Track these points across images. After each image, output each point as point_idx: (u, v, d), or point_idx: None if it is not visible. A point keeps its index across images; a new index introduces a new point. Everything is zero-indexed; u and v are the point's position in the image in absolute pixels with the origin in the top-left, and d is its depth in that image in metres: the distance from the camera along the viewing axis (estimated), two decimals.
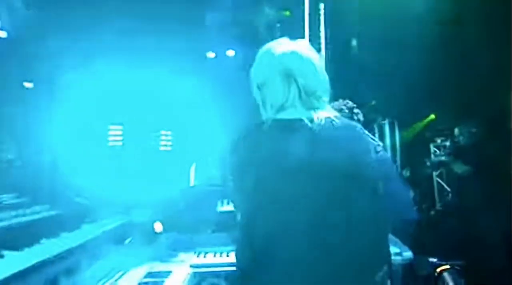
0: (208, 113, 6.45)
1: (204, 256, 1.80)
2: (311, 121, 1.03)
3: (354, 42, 5.53)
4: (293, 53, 1.08)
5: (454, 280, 3.34)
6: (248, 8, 5.98)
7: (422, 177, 4.96)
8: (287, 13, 5.46)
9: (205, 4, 5.92)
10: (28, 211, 1.25)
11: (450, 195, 4.77)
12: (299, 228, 0.97)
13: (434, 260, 3.60)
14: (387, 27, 4.95)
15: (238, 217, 1.10)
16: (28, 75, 5.84)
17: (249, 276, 1.01)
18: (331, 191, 0.99)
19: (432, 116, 5.67)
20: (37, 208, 1.27)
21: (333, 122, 1.04)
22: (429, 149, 5.27)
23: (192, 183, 4.89)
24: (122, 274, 1.53)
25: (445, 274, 3.42)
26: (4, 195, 1.35)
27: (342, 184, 1.00)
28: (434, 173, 5.03)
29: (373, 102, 5.85)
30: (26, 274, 0.88)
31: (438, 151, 5.07)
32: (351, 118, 2.83)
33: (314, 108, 1.06)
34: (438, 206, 4.96)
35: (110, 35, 5.48)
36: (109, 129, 6.36)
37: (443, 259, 3.56)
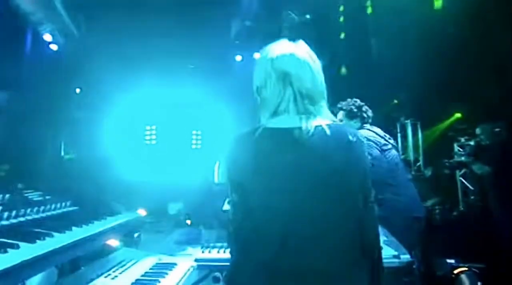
0: (235, 112, 6.58)
1: (209, 251, 1.87)
2: (301, 131, 0.99)
3: (376, 42, 5.34)
4: (291, 56, 1.05)
5: (471, 282, 3.16)
6: (273, 11, 5.99)
7: (445, 176, 4.69)
8: (308, 16, 5.41)
9: (232, 8, 5.99)
10: (51, 207, 1.40)
11: (473, 196, 4.48)
12: (283, 239, 0.96)
13: (452, 261, 3.43)
14: (410, 26, 4.74)
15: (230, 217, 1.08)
16: (77, 82, 6.33)
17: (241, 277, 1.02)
18: (317, 202, 0.97)
19: (458, 115, 5.33)
20: (58, 205, 1.42)
21: (324, 131, 1.00)
22: (452, 148, 4.97)
23: (216, 180, 5.04)
24: (134, 263, 1.65)
25: (463, 276, 3.25)
26: (34, 192, 1.52)
27: (327, 196, 0.97)
28: (458, 173, 4.74)
29: (396, 101, 5.64)
30: (35, 262, 1.00)
31: (461, 150, 4.77)
32: (361, 116, 2.77)
33: (308, 114, 1.03)
34: (461, 206, 4.68)
35: (146, 45, 5.78)
36: (146, 129, 6.72)
37: (462, 261, 3.38)
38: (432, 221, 4.39)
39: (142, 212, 4.44)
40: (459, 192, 4.76)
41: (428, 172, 4.80)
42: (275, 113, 1.04)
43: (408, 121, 5.56)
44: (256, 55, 6.89)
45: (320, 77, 1.08)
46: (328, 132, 1.01)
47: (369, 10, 5.02)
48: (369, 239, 1.03)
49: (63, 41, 5.45)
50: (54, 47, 5.44)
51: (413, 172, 5.15)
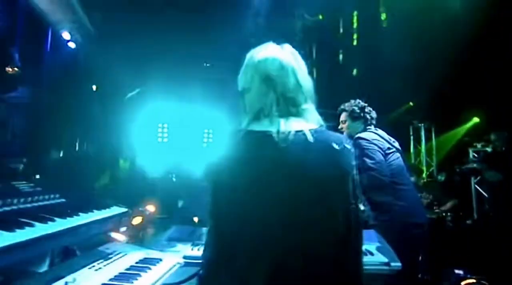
0: None
1: (199, 249, 1.88)
2: (281, 135, 0.96)
3: (390, 43, 5.21)
4: (274, 60, 1.05)
5: None
6: (285, 12, 5.98)
7: (458, 183, 4.50)
8: (321, 17, 5.36)
9: (246, 7, 6.01)
10: (39, 198, 1.44)
11: (488, 204, 4.28)
12: (257, 245, 0.94)
13: (460, 272, 3.30)
14: (425, 27, 4.60)
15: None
16: (94, 80, 6.53)
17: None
18: (294, 212, 0.93)
19: (476, 120, 5.11)
20: (47, 196, 1.47)
21: (305, 137, 0.97)
22: (468, 154, 4.77)
23: None
24: (121, 257, 1.67)
25: None
26: (27, 183, 1.57)
27: (305, 205, 0.94)
28: (473, 180, 4.54)
29: (410, 104, 5.47)
30: (11, 250, 1.04)
31: (476, 157, 4.56)
32: (364, 118, 2.70)
33: (291, 118, 1.00)
34: (475, 214, 4.48)
35: (160, 43, 5.89)
36: (158, 127, 6.85)
37: (472, 271, 3.24)
38: (444, 228, 4.24)
39: (151, 208, 4.50)
40: (473, 200, 4.56)
41: (441, 178, 4.63)
42: (256, 117, 1.03)
43: (422, 124, 5.37)
44: None
45: (305, 80, 1.07)
46: (310, 138, 0.97)
47: (383, 11, 4.90)
48: (350, 255, 0.98)
49: (81, 40, 5.63)
50: (72, 45, 5.62)
51: (425, 178, 4.98)
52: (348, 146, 1.02)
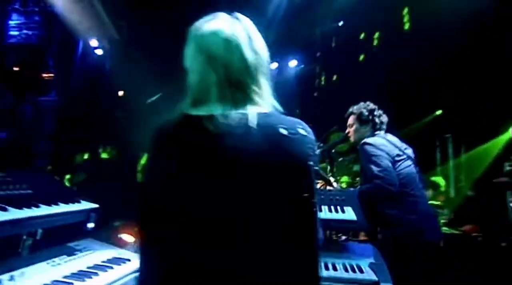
0: None
1: None
2: (219, 121, 0.84)
3: (417, 49, 4.88)
4: (219, 35, 0.89)
5: None
6: (305, 20, 5.86)
7: (492, 200, 4.01)
8: (340, 23, 5.16)
9: (266, 15, 5.98)
10: (1, 187, 1.40)
11: None
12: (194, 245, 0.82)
13: None
14: (454, 31, 4.24)
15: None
16: (119, 85, 6.78)
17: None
18: (232, 208, 0.81)
19: None
20: (11, 186, 1.42)
21: (247, 122, 0.83)
22: (502, 168, 4.25)
23: None
24: (88, 254, 1.59)
25: None
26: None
27: (243, 201, 0.81)
28: (509, 197, 4.02)
29: (437, 112, 5.06)
30: None
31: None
32: (372, 122, 2.47)
33: (236, 101, 0.87)
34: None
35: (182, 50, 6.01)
36: None
37: None
38: (470, 249, 3.78)
39: None
40: (510, 219, 4.03)
41: (470, 193, 4.14)
42: (196, 101, 0.90)
43: (450, 135, 4.91)
44: (292, 63, 6.83)
45: (256, 59, 0.91)
46: (253, 121, 0.83)
47: (406, 19, 4.61)
48: (300, 253, 0.83)
49: (108, 46, 5.87)
50: (99, 52, 5.88)
51: (453, 193, 4.50)
52: (303, 132, 0.86)
